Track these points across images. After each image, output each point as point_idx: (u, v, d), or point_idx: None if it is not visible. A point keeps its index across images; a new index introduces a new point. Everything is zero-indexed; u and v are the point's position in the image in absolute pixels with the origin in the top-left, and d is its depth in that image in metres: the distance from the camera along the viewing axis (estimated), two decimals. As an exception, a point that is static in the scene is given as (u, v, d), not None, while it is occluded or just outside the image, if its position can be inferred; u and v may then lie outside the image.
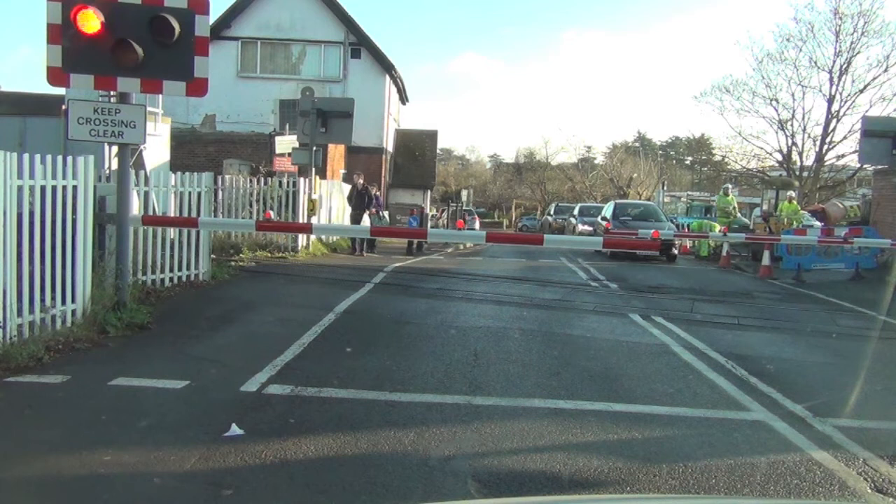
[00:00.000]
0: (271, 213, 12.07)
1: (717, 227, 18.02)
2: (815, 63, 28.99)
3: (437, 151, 38.36)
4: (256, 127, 22.97)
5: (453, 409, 4.90)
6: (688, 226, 22.00)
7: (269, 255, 13.67)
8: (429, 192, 31.91)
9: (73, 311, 6.55)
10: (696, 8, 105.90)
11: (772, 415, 5.08)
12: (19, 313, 5.81)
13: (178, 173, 9.97)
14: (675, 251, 18.32)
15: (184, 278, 9.58)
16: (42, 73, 6.59)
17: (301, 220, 13.80)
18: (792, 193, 20.62)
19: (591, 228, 21.90)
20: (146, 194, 9.34)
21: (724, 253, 17.20)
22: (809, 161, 30.40)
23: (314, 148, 14.07)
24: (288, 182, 14.47)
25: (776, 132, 31.34)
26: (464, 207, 34.36)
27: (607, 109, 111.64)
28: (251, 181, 14.58)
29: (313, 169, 14.36)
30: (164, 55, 6.70)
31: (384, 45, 30.36)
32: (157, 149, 12.98)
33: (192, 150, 20.76)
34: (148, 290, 8.72)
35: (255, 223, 11.02)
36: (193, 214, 9.78)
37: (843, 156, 29.52)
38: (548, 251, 17.91)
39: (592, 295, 11.04)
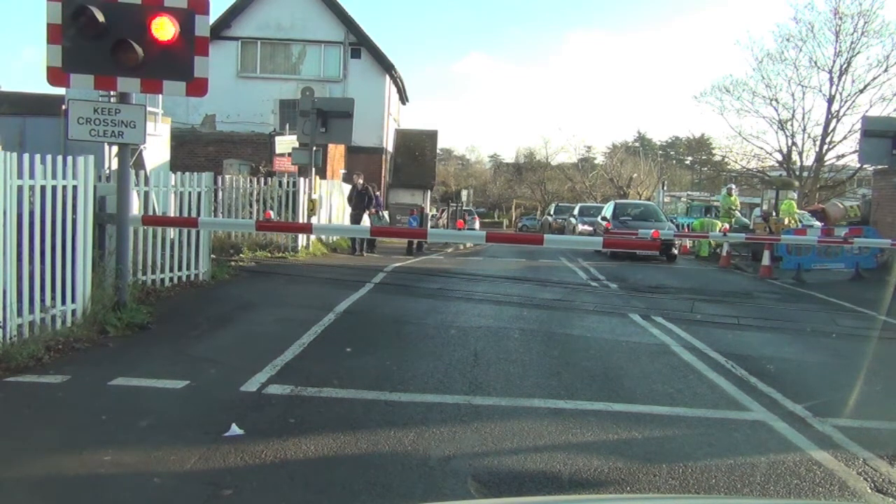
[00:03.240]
0: (271, 213, 12.05)
1: (719, 225, 18.02)
2: (815, 63, 29.07)
3: (437, 151, 38.36)
4: (256, 127, 22.94)
5: (453, 409, 4.90)
6: (688, 226, 21.98)
7: (269, 255, 13.67)
8: (429, 192, 31.89)
9: (73, 311, 6.55)
10: (697, 8, 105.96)
11: (772, 415, 5.08)
12: (19, 313, 5.81)
13: (178, 173, 9.97)
14: (675, 251, 18.32)
15: (184, 278, 9.58)
16: (44, 74, 6.60)
17: (301, 220, 13.81)
18: (792, 193, 20.63)
19: (591, 228, 21.91)
20: (146, 194, 9.34)
21: (724, 253, 17.21)
22: (809, 161, 30.45)
23: (314, 148, 14.09)
24: (288, 182, 14.47)
25: (776, 132, 31.44)
26: (464, 207, 34.38)
27: (607, 109, 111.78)
28: (251, 181, 14.58)
29: (313, 169, 14.37)
30: (164, 55, 6.70)
31: (386, 46, 30.44)
32: (157, 149, 12.98)
33: (192, 150, 20.72)
34: (148, 290, 8.73)
35: (255, 223, 11.01)
36: (193, 214, 9.78)
37: (843, 156, 29.60)
38: (548, 251, 17.89)
39: (592, 295, 11.04)
